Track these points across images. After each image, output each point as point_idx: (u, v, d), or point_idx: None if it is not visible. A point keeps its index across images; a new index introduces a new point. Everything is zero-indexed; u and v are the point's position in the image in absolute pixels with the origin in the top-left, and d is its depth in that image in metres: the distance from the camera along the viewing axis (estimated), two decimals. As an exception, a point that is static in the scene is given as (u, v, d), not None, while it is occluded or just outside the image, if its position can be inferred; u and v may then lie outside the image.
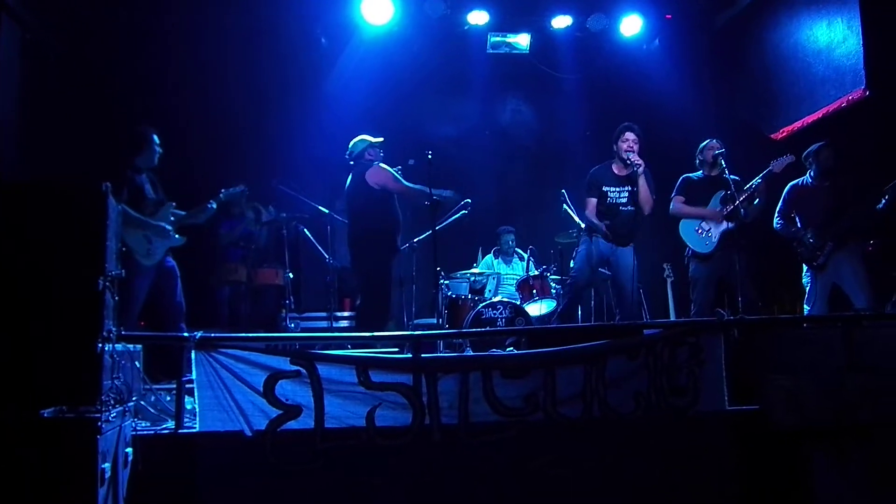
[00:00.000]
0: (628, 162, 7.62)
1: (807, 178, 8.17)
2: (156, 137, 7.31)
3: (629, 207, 7.68)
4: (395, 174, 7.69)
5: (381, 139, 7.95)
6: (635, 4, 10.62)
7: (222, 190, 7.62)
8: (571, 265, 8.12)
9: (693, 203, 8.07)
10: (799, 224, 8.11)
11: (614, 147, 7.84)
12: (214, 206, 7.57)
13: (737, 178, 7.77)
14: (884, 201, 7.56)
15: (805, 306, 8.07)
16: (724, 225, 7.76)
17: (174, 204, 7.39)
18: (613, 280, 7.94)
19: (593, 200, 7.80)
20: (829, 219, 7.86)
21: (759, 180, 7.67)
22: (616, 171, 7.84)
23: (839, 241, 7.79)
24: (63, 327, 3.99)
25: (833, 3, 8.90)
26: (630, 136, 7.75)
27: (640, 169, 7.56)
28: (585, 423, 5.11)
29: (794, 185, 8.24)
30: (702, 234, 7.88)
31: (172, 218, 7.28)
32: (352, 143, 7.99)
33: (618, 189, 7.74)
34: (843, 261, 7.79)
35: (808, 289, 8.05)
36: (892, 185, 7.49)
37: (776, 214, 8.27)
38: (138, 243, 6.99)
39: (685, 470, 5.19)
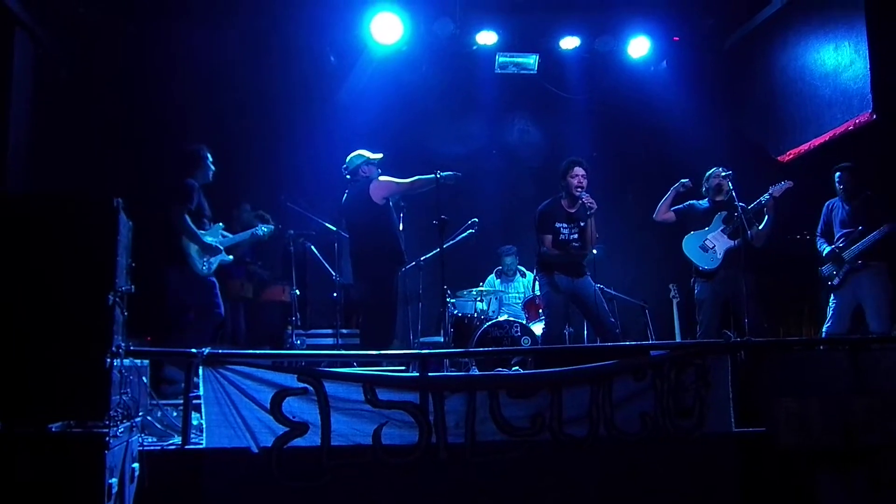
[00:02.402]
0: (581, 202, 7.48)
1: (837, 198, 8.22)
2: (209, 155, 7.40)
3: (577, 244, 7.59)
4: (395, 179, 7.69)
5: (380, 155, 7.93)
6: (643, 26, 10.63)
7: (260, 225, 7.87)
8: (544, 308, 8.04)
9: (693, 226, 8.04)
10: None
11: (562, 182, 7.65)
12: (260, 233, 7.88)
13: (743, 204, 7.76)
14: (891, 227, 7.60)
15: (824, 326, 8.05)
16: (729, 242, 7.75)
17: (222, 224, 7.52)
18: (586, 314, 7.79)
19: (549, 237, 7.60)
20: (853, 240, 7.89)
21: (767, 198, 7.66)
22: (566, 208, 7.68)
23: (856, 262, 7.81)
24: (72, 342, 4.00)
25: (840, 27, 8.91)
26: (579, 171, 7.55)
27: (593, 211, 7.44)
28: (592, 443, 5.11)
29: (827, 204, 8.33)
30: (706, 250, 7.86)
31: (222, 236, 7.44)
32: (349, 157, 7.97)
33: (569, 227, 7.59)
34: (864, 282, 7.81)
35: (829, 308, 8.04)
36: None
37: (817, 235, 8.32)
38: (197, 254, 7.11)
39: (691, 491, 5.18)
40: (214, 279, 7.33)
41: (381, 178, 7.71)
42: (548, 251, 7.59)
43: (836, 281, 7.93)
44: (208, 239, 7.16)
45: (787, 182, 7.69)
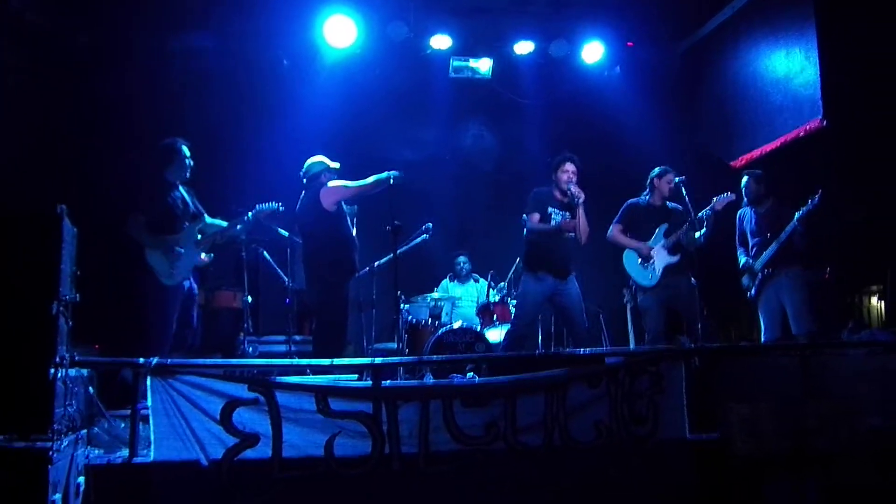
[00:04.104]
0: (569, 193, 7.52)
1: (746, 206, 8.35)
2: (185, 149, 7.09)
3: (570, 234, 7.63)
4: (344, 183, 7.61)
5: (337, 165, 7.87)
6: (597, 31, 10.69)
7: (256, 205, 7.40)
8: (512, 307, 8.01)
9: (635, 232, 8.11)
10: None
11: (553, 176, 7.72)
12: (247, 219, 7.35)
13: (678, 206, 7.85)
14: (798, 233, 7.75)
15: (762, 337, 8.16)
16: (669, 258, 7.83)
17: (203, 221, 7.20)
18: (564, 317, 7.83)
19: (537, 215, 7.60)
20: (761, 249, 8.05)
21: (708, 213, 7.74)
22: (558, 196, 7.72)
23: (765, 271, 7.98)
24: (13, 353, 3.90)
25: (792, 34, 9.02)
26: (570, 167, 7.63)
27: (581, 200, 7.49)
28: (546, 452, 5.09)
29: (739, 214, 8.46)
30: (645, 266, 7.93)
31: (199, 236, 7.07)
32: (308, 161, 7.87)
33: (561, 213, 7.62)
34: (782, 289, 7.94)
35: (760, 319, 8.17)
36: (801, 215, 7.67)
37: (737, 245, 8.46)
38: (159, 264, 6.76)
39: (647, 499, 5.18)
40: (188, 284, 7.06)
41: (331, 182, 7.63)
42: (533, 227, 7.58)
43: (752, 292, 8.11)
44: (176, 246, 6.86)
45: (729, 195, 7.84)
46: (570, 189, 7.50)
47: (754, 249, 8.15)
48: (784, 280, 7.90)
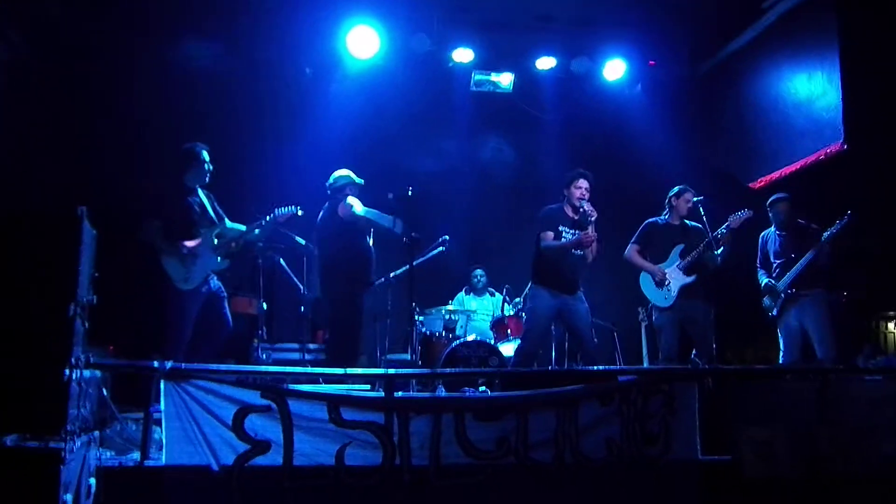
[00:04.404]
0: (581, 210, 7.45)
1: (772, 228, 8.32)
2: (205, 154, 7.09)
3: (579, 252, 7.61)
4: (356, 206, 7.69)
5: (361, 181, 7.96)
6: (619, 49, 10.70)
7: (275, 208, 7.32)
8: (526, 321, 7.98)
9: (652, 253, 8.10)
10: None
11: (565, 192, 7.67)
12: (265, 223, 7.24)
13: (698, 225, 7.83)
14: (825, 254, 7.74)
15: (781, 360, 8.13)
16: (685, 279, 7.81)
17: (223, 225, 7.16)
18: (572, 332, 7.80)
19: (551, 234, 7.53)
20: (784, 270, 8.02)
21: (723, 232, 7.74)
22: (569, 214, 7.66)
23: (789, 291, 7.93)
24: (30, 353, 3.91)
25: (814, 57, 9.01)
26: (584, 183, 7.56)
27: (593, 218, 7.41)
28: (557, 468, 5.07)
29: (762, 236, 8.45)
30: (661, 287, 7.91)
31: (216, 241, 7.03)
32: (335, 174, 7.98)
33: (571, 232, 7.53)
34: (805, 311, 7.92)
35: (780, 340, 8.12)
36: (828, 236, 7.65)
37: (758, 267, 8.44)
38: (174, 269, 6.78)
39: (656, 519, 5.16)
40: (209, 288, 6.99)
41: (349, 199, 7.73)
42: (549, 245, 7.49)
43: (774, 312, 8.07)
44: (188, 247, 6.84)
45: (746, 211, 7.80)
46: (582, 206, 7.45)
47: (777, 270, 8.14)
48: (807, 302, 7.89)
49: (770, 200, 8.26)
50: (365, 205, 7.94)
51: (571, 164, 8.29)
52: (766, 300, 8.20)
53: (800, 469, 5.26)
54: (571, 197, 7.60)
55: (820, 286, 7.89)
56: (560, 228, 7.55)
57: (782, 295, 8.00)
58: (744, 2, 9.72)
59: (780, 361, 8.07)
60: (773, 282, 8.12)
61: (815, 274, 7.84)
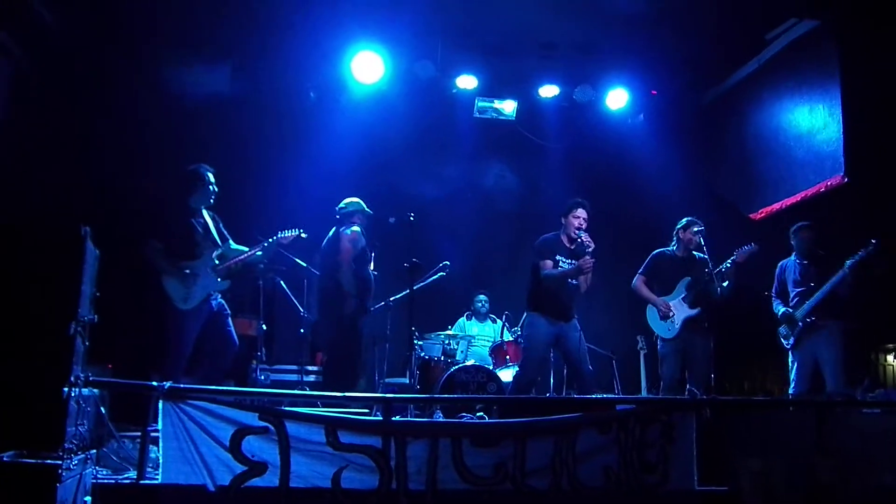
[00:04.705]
0: (579, 240, 7.47)
1: (792, 256, 8.29)
2: (210, 176, 7.14)
3: (574, 282, 7.62)
4: (355, 246, 7.76)
5: (371, 212, 8.07)
6: (622, 79, 10.74)
7: (279, 231, 7.31)
8: (524, 349, 7.95)
9: (660, 284, 8.14)
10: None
11: (563, 221, 7.67)
12: (266, 244, 7.21)
13: (706, 257, 7.84)
14: (846, 283, 7.67)
15: (790, 388, 8.08)
16: (689, 311, 7.84)
17: (226, 246, 7.18)
18: (568, 359, 7.76)
19: (550, 262, 7.52)
20: (803, 299, 7.96)
21: (728, 266, 7.77)
22: (565, 244, 7.66)
23: (807, 320, 7.88)
24: (30, 371, 3.93)
25: (816, 90, 9.05)
26: (582, 213, 7.57)
27: (591, 249, 7.41)
28: (554, 495, 5.06)
29: (780, 265, 8.40)
30: (664, 319, 7.93)
31: (217, 262, 7.05)
32: (346, 201, 8.08)
33: (568, 262, 7.53)
34: (821, 342, 7.86)
35: (791, 369, 8.09)
36: (851, 263, 7.61)
37: (772, 296, 8.39)
38: (174, 289, 6.82)
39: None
40: (210, 308, 7.00)
41: (354, 228, 7.83)
42: (549, 273, 7.47)
43: (791, 341, 8.02)
44: (192, 271, 6.88)
45: (751, 246, 7.81)
46: (580, 236, 7.47)
47: (796, 299, 8.09)
48: (825, 333, 7.83)
49: (794, 228, 8.22)
50: (365, 229, 8.03)
51: (574, 191, 8.34)
52: (783, 329, 8.14)
53: (797, 501, 5.24)
54: (569, 226, 7.61)
55: (837, 317, 7.83)
56: (557, 258, 7.57)
57: (800, 324, 7.95)
58: (747, 33, 9.76)
59: (791, 391, 8.02)
60: (790, 310, 8.07)
61: (834, 304, 7.78)
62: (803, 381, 7.97)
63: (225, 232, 7.32)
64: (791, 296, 8.18)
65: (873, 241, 7.58)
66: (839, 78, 8.67)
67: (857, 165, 8.46)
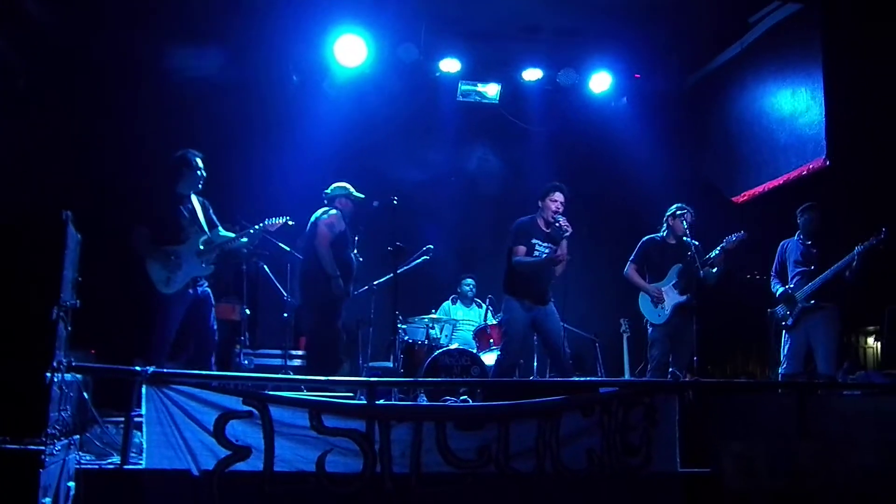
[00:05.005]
0: (556, 224, 7.49)
1: (795, 236, 8.29)
2: (199, 161, 7.12)
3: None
4: (332, 230, 7.73)
5: (361, 196, 8.02)
6: (605, 62, 10.75)
7: (266, 218, 7.31)
8: (503, 334, 7.97)
9: (651, 271, 8.22)
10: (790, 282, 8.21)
11: (540, 203, 7.70)
12: (252, 231, 7.24)
13: (696, 242, 7.89)
14: (852, 267, 7.67)
15: (780, 368, 8.11)
16: (679, 298, 7.89)
17: (214, 232, 7.17)
18: (545, 342, 7.79)
19: (522, 248, 7.55)
20: (805, 280, 7.99)
21: (716, 253, 7.80)
22: (542, 227, 7.68)
23: (808, 302, 7.90)
24: (12, 356, 3.91)
25: (798, 73, 9.08)
26: (559, 196, 7.60)
27: (568, 233, 7.46)
28: (537, 478, 5.08)
29: (782, 244, 8.39)
30: (656, 306, 8.00)
31: (202, 247, 7.02)
32: (333, 185, 8.03)
33: (545, 244, 7.58)
34: (817, 323, 7.88)
35: (784, 349, 8.11)
36: (861, 249, 7.61)
37: (772, 275, 8.39)
38: (156, 272, 6.82)
39: (635, 531, 5.17)
40: (196, 294, 7.00)
41: (332, 213, 7.81)
42: (521, 260, 7.52)
43: (789, 321, 8.01)
44: (175, 256, 6.87)
45: (741, 234, 7.82)
46: (557, 220, 7.49)
47: (796, 279, 8.07)
48: (821, 315, 7.85)
49: (802, 207, 8.18)
50: (352, 213, 8.02)
51: (557, 175, 8.34)
52: (780, 309, 8.13)
53: (779, 482, 5.28)
54: (546, 210, 7.63)
55: (836, 301, 7.86)
56: (533, 241, 7.59)
57: (800, 305, 7.97)
58: (730, 16, 9.78)
59: (782, 370, 8.04)
60: (790, 290, 8.07)
61: (836, 288, 7.78)
62: (797, 362, 7.98)
63: (214, 218, 7.30)
64: (790, 275, 8.16)
65: (884, 228, 7.55)
66: (821, 61, 8.70)
67: (838, 148, 8.50)
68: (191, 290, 6.97)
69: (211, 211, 7.33)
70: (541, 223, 7.68)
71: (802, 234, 8.18)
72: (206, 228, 7.14)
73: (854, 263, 7.65)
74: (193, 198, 7.19)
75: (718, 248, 7.82)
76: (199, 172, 7.15)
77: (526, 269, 7.53)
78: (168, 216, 6.98)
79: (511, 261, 7.62)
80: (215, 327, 7.21)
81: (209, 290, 7.19)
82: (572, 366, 8.16)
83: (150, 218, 6.95)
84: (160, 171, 7.29)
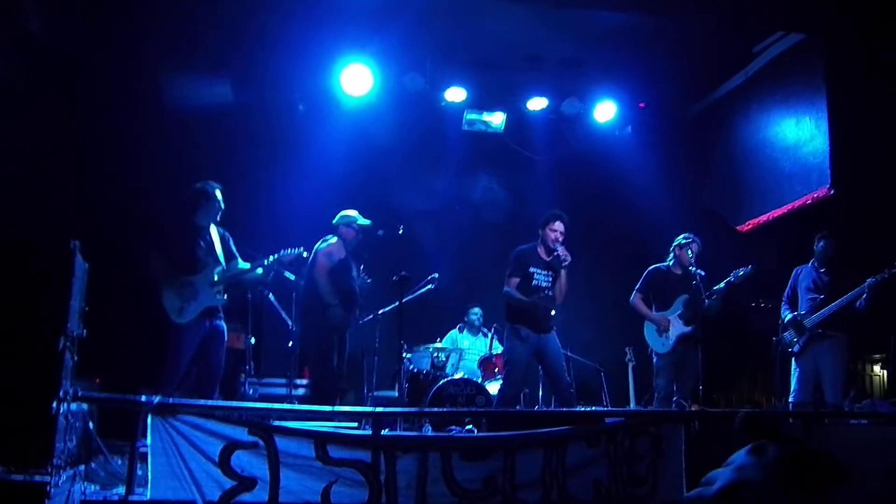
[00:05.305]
0: (555, 253, 7.51)
1: (810, 263, 8.27)
2: (218, 193, 7.13)
3: (550, 293, 7.63)
4: (330, 259, 7.77)
5: (368, 222, 8.07)
6: (610, 91, 10.78)
7: (281, 249, 7.33)
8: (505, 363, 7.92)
9: (656, 300, 8.23)
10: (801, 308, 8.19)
11: (540, 232, 7.72)
12: (267, 262, 7.25)
13: (702, 272, 7.90)
14: (862, 299, 7.66)
15: (790, 396, 8.08)
16: (684, 329, 7.91)
17: (231, 264, 7.17)
18: (547, 371, 7.79)
19: (516, 280, 7.58)
20: (815, 308, 7.98)
21: (722, 287, 7.83)
22: (542, 255, 7.70)
23: (816, 331, 7.89)
24: (18, 385, 3.91)
25: (802, 102, 9.11)
26: (559, 225, 7.61)
27: (567, 263, 7.48)
28: (544, 509, 5.06)
29: (796, 270, 8.38)
30: (661, 335, 8.02)
31: (216, 278, 7.00)
32: (341, 213, 8.07)
33: (543, 273, 7.60)
34: (826, 353, 7.88)
35: (793, 376, 8.09)
36: (872, 282, 7.60)
37: (783, 301, 8.38)
38: (170, 302, 6.79)
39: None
40: (211, 326, 6.97)
41: (331, 241, 7.91)
42: (510, 293, 7.55)
43: (796, 348, 8.00)
44: (190, 286, 6.85)
45: (748, 268, 7.83)
46: (556, 249, 7.51)
47: (807, 306, 8.05)
48: (829, 344, 7.85)
49: (819, 235, 8.18)
50: (357, 241, 8.05)
51: (562, 204, 8.35)
52: (788, 335, 8.11)
53: (785, 513, 5.25)
54: (546, 238, 7.65)
55: (845, 330, 7.85)
56: (531, 270, 7.61)
57: (808, 332, 7.95)
58: (734, 46, 9.82)
59: (792, 399, 8.02)
60: (800, 317, 8.05)
61: (846, 317, 7.78)
62: (806, 390, 7.96)
63: (234, 250, 7.31)
64: (801, 302, 8.16)
65: None
66: (825, 90, 8.74)
67: (843, 177, 8.51)
68: (207, 323, 6.95)
69: (231, 242, 7.33)
70: (541, 251, 7.70)
71: (816, 262, 8.18)
72: (221, 260, 7.14)
73: (865, 295, 7.63)
74: (213, 228, 7.20)
75: (725, 282, 7.83)
76: (217, 204, 7.15)
77: (511, 301, 7.58)
78: (184, 246, 6.98)
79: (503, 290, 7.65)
80: (223, 362, 7.19)
81: (224, 324, 7.15)
82: (576, 394, 8.14)
83: (165, 247, 6.96)
84: (178, 201, 7.30)
